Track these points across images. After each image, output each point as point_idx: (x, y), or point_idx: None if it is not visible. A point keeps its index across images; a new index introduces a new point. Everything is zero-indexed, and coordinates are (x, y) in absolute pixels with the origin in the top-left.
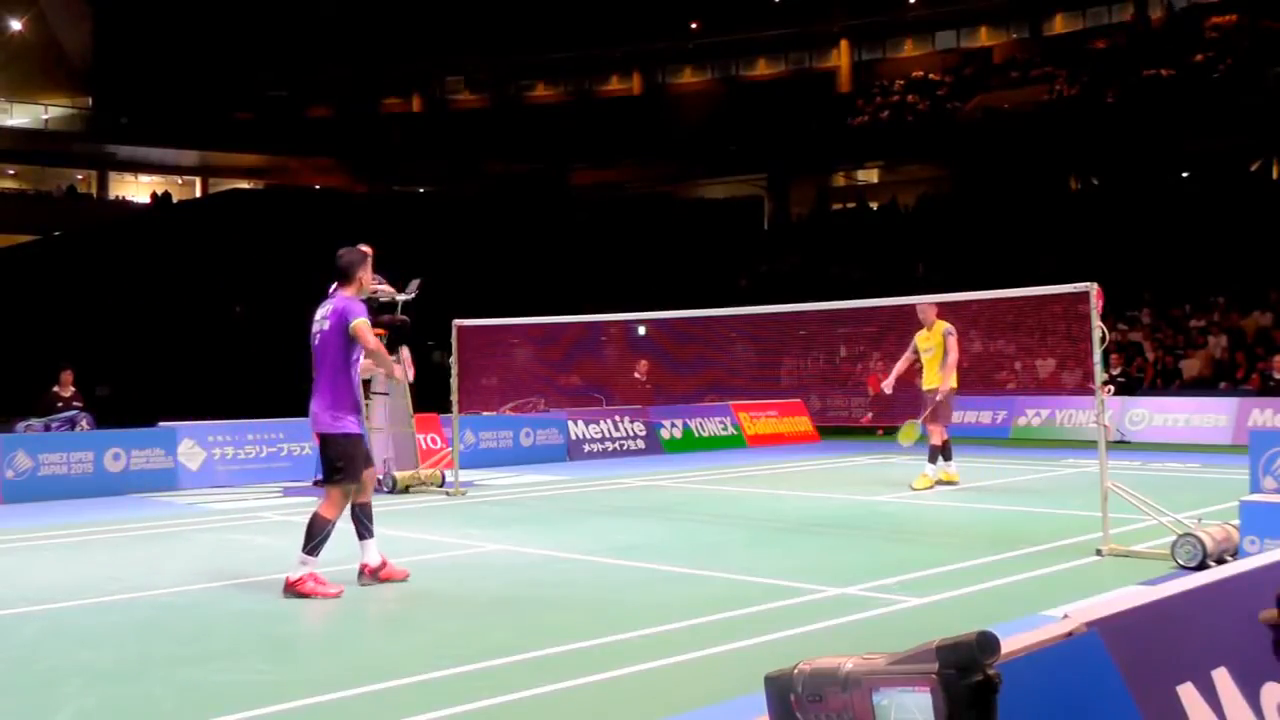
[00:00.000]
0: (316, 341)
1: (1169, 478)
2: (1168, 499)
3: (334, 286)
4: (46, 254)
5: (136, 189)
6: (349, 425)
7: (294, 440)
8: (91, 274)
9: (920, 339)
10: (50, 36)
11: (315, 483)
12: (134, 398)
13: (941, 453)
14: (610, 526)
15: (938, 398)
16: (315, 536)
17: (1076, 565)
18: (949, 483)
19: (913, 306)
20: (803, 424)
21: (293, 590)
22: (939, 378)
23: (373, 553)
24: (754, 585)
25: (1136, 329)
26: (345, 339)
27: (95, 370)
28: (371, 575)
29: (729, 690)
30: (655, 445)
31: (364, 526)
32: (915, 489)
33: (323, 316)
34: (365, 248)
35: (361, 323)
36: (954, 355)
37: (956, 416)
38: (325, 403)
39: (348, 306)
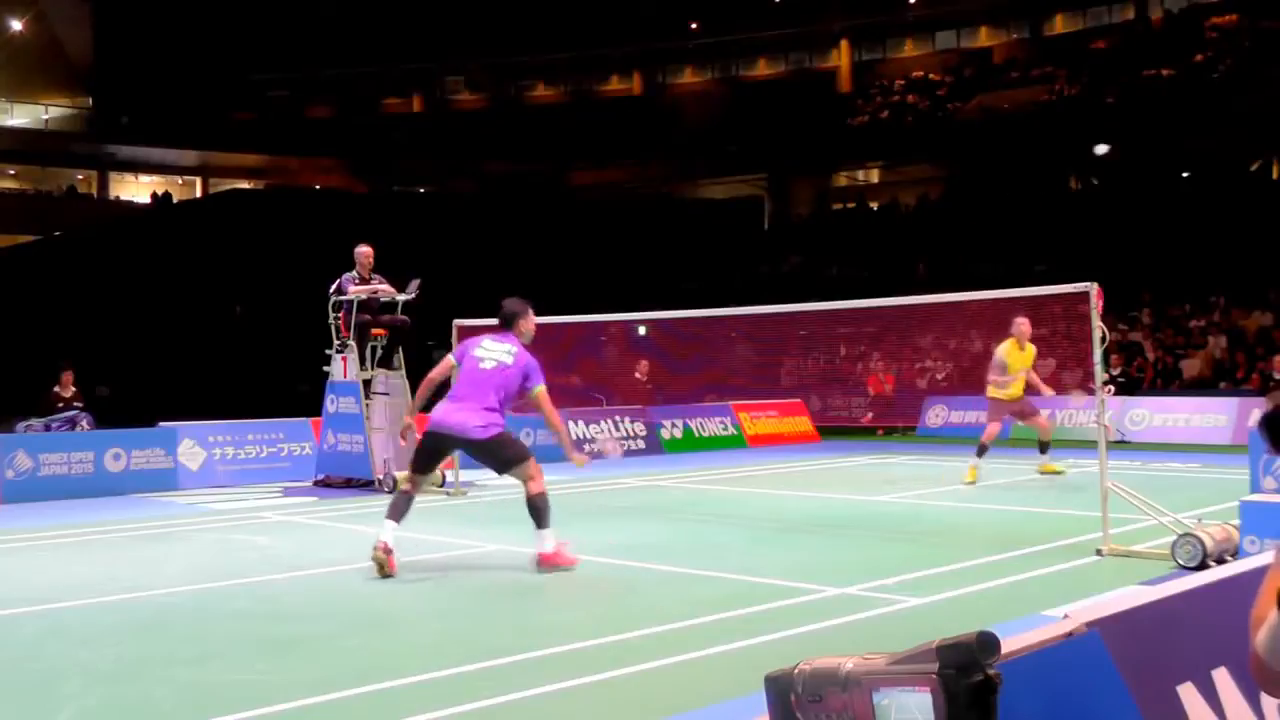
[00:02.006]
0: (491, 366)
1: (1169, 478)
2: (1168, 499)
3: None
4: (46, 254)
5: (136, 189)
6: (495, 428)
7: (294, 440)
8: (91, 274)
9: (1015, 356)
10: (50, 36)
11: (315, 482)
12: (134, 398)
13: (982, 450)
14: (610, 526)
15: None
16: (542, 512)
17: (1076, 565)
18: (971, 483)
19: (911, 307)
20: (803, 424)
21: (550, 564)
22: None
23: (391, 534)
24: (754, 585)
25: (1136, 329)
26: (520, 384)
27: (95, 370)
28: (385, 551)
29: (729, 690)
30: (655, 445)
31: (400, 512)
32: (1055, 472)
33: (505, 351)
34: (365, 247)
35: (544, 391)
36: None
37: (956, 416)
38: (478, 415)
39: (534, 366)
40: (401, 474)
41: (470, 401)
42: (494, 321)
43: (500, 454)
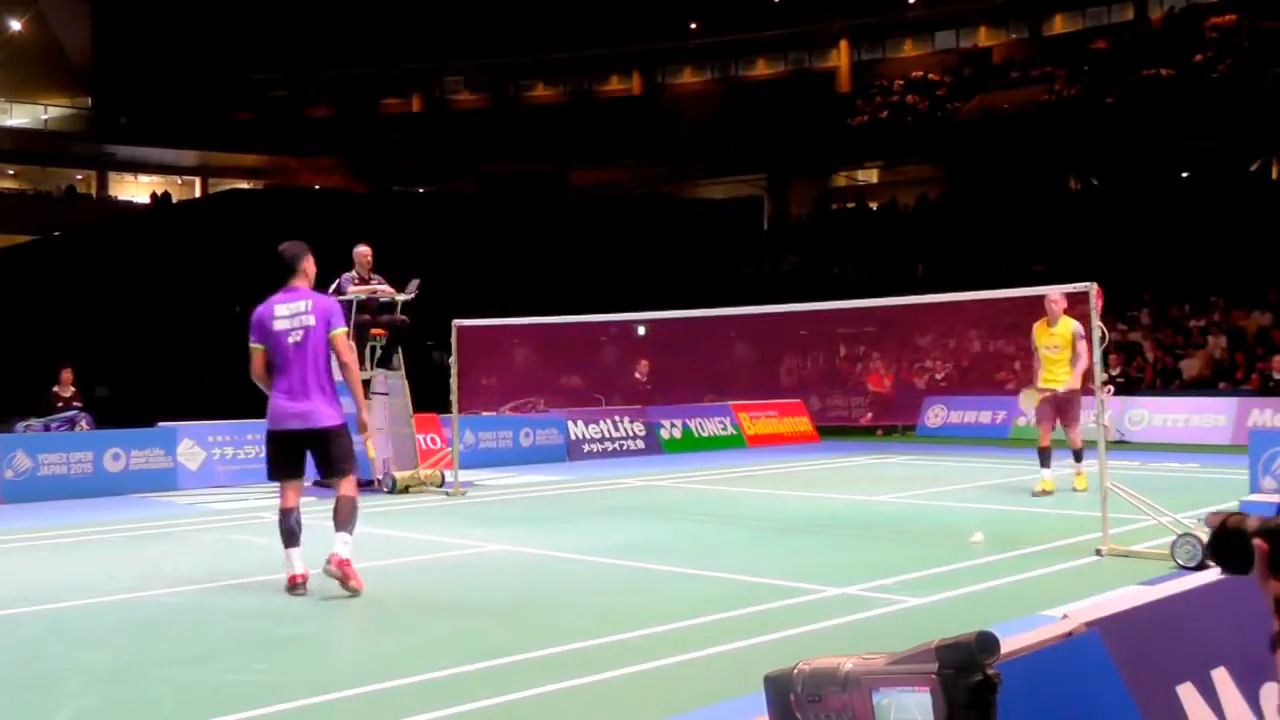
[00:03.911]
0: (299, 339)
1: (1169, 478)
2: (1168, 499)
3: (290, 280)
4: (46, 254)
5: (136, 189)
6: (340, 417)
7: None
8: (91, 274)
9: (1041, 335)
10: (50, 36)
11: (315, 482)
12: (134, 398)
13: (1076, 455)
14: (610, 526)
15: (1062, 394)
16: (353, 516)
17: (1076, 565)
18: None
19: (911, 307)
20: (802, 424)
21: (341, 569)
22: (1069, 375)
23: (299, 562)
24: (754, 585)
25: (1136, 329)
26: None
27: (95, 370)
28: (297, 584)
29: (729, 690)
30: (655, 445)
31: (294, 536)
32: (1079, 489)
33: (303, 311)
34: (364, 247)
35: (343, 334)
36: (1084, 361)
37: (956, 416)
38: (326, 397)
39: (331, 309)
40: (402, 474)
41: (304, 387)
42: (494, 321)
43: (340, 448)
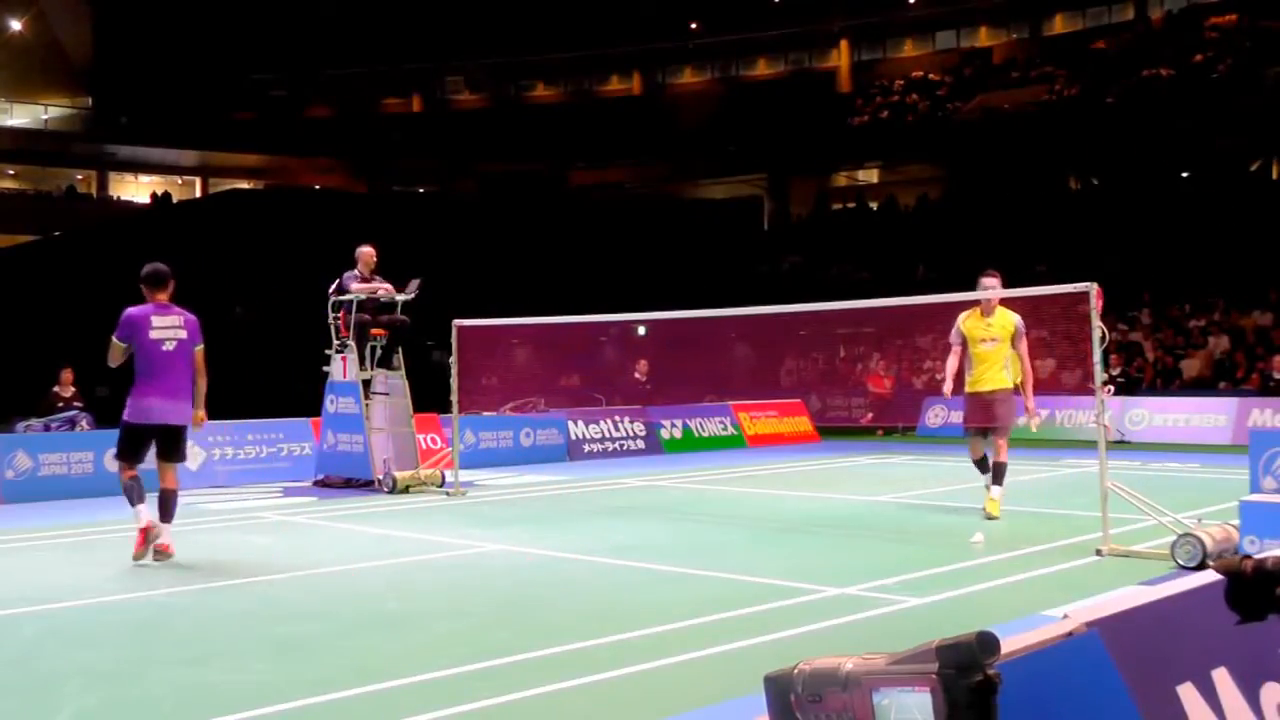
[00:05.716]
0: (173, 348)
1: (1169, 478)
2: (1168, 499)
3: (158, 296)
4: (46, 254)
5: (136, 189)
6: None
7: (294, 440)
8: (91, 274)
9: (971, 326)
10: (50, 36)
11: (315, 482)
12: None
13: (996, 472)
14: (610, 526)
15: (995, 396)
16: (175, 507)
17: (1076, 565)
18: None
19: (911, 307)
20: (803, 424)
21: (167, 551)
22: (1004, 378)
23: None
24: (754, 585)
25: (1136, 329)
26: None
27: (95, 370)
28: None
29: (729, 690)
30: (655, 445)
31: (142, 493)
32: (993, 516)
33: (177, 326)
34: (368, 247)
35: (203, 350)
36: (1027, 364)
37: (957, 417)
38: (186, 398)
39: (198, 326)
40: (402, 474)
41: (176, 388)
42: (494, 321)
43: (184, 440)
